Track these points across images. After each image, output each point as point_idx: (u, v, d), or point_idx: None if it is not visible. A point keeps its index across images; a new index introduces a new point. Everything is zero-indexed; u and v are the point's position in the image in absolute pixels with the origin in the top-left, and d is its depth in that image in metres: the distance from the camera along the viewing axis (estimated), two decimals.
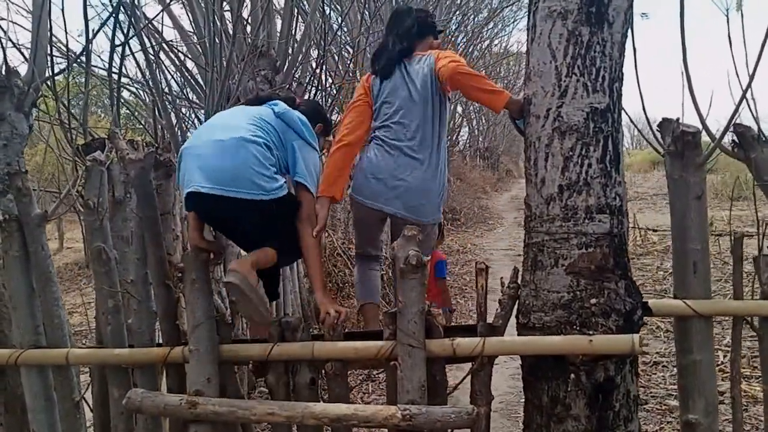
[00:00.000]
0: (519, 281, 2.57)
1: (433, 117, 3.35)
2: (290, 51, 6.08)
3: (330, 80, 7.33)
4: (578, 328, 2.36)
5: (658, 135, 2.66)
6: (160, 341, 2.78)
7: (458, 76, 3.09)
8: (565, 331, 2.37)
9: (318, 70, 5.84)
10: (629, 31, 2.49)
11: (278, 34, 5.99)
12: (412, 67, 3.40)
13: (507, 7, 19.67)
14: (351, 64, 7.21)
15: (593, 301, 2.36)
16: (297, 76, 6.20)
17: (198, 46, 5.67)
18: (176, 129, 4.84)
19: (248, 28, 5.88)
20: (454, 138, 22.53)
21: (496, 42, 22.88)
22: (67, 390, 2.87)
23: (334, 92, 6.95)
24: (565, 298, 2.38)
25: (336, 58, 7.16)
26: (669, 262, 10.00)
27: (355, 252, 3.86)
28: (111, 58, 3.82)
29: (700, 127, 2.58)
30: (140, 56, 4.39)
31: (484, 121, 30.48)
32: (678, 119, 2.58)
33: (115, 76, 3.99)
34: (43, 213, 2.80)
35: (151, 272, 2.72)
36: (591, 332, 2.33)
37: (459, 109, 21.94)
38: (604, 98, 2.38)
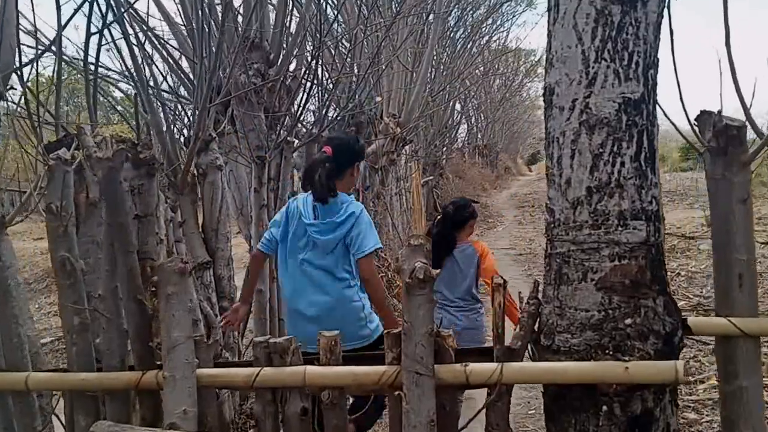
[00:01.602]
0: (540, 296, 2.25)
1: None
2: (284, 43, 5.75)
3: (327, 75, 6.99)
4: (611, 352, 2.04)
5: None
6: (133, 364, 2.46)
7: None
8: (596, 355, 2.06)
9: (314, 64, 5.50)
10: (665, 10, 2.17)
11: (272, 25, 5.66)
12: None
13: (506, 2, 19.38)
14: (348, 58, 6.88)
15: (628, 321, 2.04)
16: (291, 69, 5.88)
17: (187, 37, 5.34)
18: (164, 126, 4.52)
19: (239, 19, 5.55)
20: (452, 135, 22.20)
21: (495, 38, 22.46)
22: (28, 418, 2.55)
23: (331, 87, 6.61)
24: (595, 318, 2.07)
25: (332, 51, 6.83)
26: (675, 262, 9.69)
27: None
28: (87, 46, 3.49)
29: (744, 120, 2.26)
30: (124, 47, 4.05)
31: (482, 118, 30.15)
32: (719, 111, 2.26)
33: (93, 67, 3.66)
34: (0, 218, 2.48)
35: (121, 286, 2.40)
36: (626, 357, 2.02)
37: (458, 106, 21.62)
38: (637, 87, 2.06)
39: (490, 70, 23.19)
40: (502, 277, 2.17)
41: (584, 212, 2.08)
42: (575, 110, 2.08)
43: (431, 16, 9.94)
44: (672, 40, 2.28)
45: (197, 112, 4.23)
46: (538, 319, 2.24)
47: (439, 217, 4.41)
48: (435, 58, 11.62)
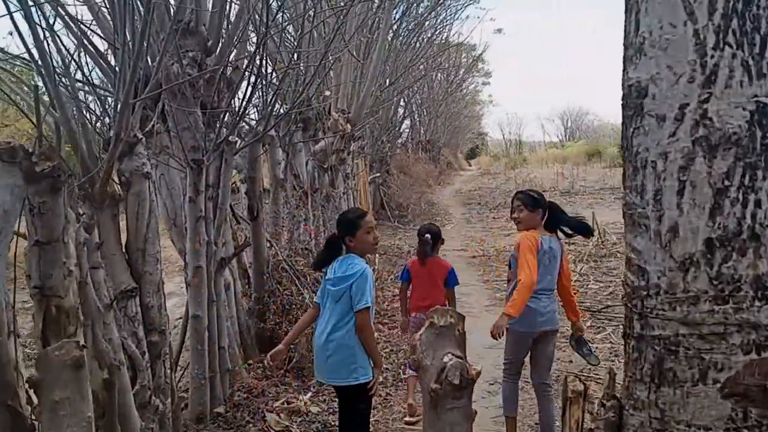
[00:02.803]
0: (620, 396, 1.61)
1: None
2: (224, 29, 5.00)
3: (272, 66, 6.26)
4: None
5: None
6: None
7: None
8: None
9: (258, 53, 4.76)
10: None
11: (209, 9, 4.90)
12: None
13: None
14: (296, 48, 6.17)
15: None
16: (232, 59, 5.13)
17: (107, 17, 4.51)
18: (77, 124, 3.72)
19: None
20: (397, 131, 21.68)
21: (439, 32, 22.01)
22: None
23: (277, 82, 5.89)
24: None
25: (276, 40, 6.09)
26: None
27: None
28: None
29: None
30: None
31: (425, 113, 29.89)
32: None
33: None
34: None
35: None
36: None
37: (402, 102, 21.10)
38: None
39: (434, 65, 22.76)
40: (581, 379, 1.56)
41: (701, 277, 1.46)
42: (685, 121, 1.45)
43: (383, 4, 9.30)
44: None
45: (119, 108, 3.47)
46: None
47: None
48: (385, 50, 10.99)
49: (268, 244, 6.19)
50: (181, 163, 4.55)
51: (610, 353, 5.67)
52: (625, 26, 1.58)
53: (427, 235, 4.83)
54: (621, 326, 6.39)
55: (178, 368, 5.20)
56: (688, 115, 1.48)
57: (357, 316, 3.41)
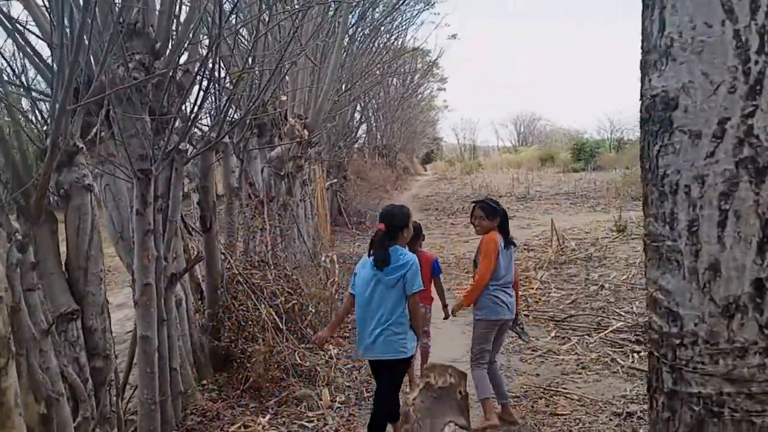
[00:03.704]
0: None
1: None
2: (174, 30, 4.70)
3: (225, 70, 5.97)
4: None
5: None
6: None
7: None
8: None
9: (211, 56, 4.49)
10: None
11: (157, 9, 4.60)
12: None
13: (404, 1, 18.87)
14: (251, 51, 5.88)
15: None
16: (183, 63, 4.83)
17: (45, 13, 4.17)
18: (9, 131, 3.41)
19: None
20: (354, 136, 21.47)
21: (394, 37, 21.89)
22: None
23: (231, 86, 5.61)
24: None
25: (231, 43, 5.80)
26: (596, 273, 9.38)
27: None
28: None
29: None
30: None
31: (382, 118, 29.82)
32: None
33: None
34: None
35: None
36: None
37: (358, 107, 20.91)
38: None
39: (390, 70, 22.65)
40: None
41: (749, 325, 1.24)
42: (726, 139, 1.25)
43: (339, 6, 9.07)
44: None
45: (56, 113, 3.17)
46: None
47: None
48: (342, 54, 10.77)
49: (223, 257, 5.89)
50: (128, 173, 4.24)
51: (577, 365, 5.55)
52: (644, 25, 1.37)
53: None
54: (586, 336, 6.34)
55: (128, 388, 4.88)
56: (730, 132, 1.27)
57: (412, 298, 3.96)
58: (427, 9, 21.64)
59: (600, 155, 36.59)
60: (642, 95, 1.43)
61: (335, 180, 16.25)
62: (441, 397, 1.10)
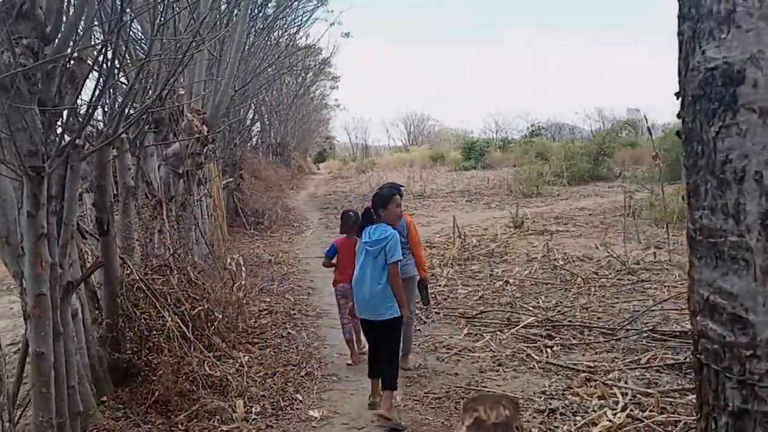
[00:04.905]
0: None
1: None
2: (66, 13, 4.27)
3: (122, 61, 5.51)
4: None
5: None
6: None
7: None
8: None
9: (111, 43, 4.10)
10: None
11: None
12: None
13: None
14: (154, 37, 5.46)
15: None
16: (77, 49, 4.40)
17: None
18: None
19: None
20: (248, 133, 20.88)
21: (287, 34, 21.53)
22: None
23: (133, 76, 5.19)
24: None
25: (130, 30, 5.38)
26: (499, 268, 9.59)
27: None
28: None
29: None
30: None
31: (276, 116, 29.33)
32: None
33: None
34: None
35: None
36: None
37: (252, 104, 20.37)
38: None
39: (285, 68, 22.25)
40: None
41: None
42: None
43: None
44: None
45: None
46: None
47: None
48: (243, 47, 10.39)
49: (121, 262, 5.45)
50: (16, 171, 3.79)
51: (493, 363, 5.59)
52: None
53: (352, 212, 6.36)
54: (498, 332, 6.41)
55: (16, 408, 4.39)
56: None
57: (390, 267, 4.59)
58: (321, 6, 21.49)
59: (489, 154, 37.78)
60: (690, 70, 1.26)
61: (231, 179, 15.70)
62: None
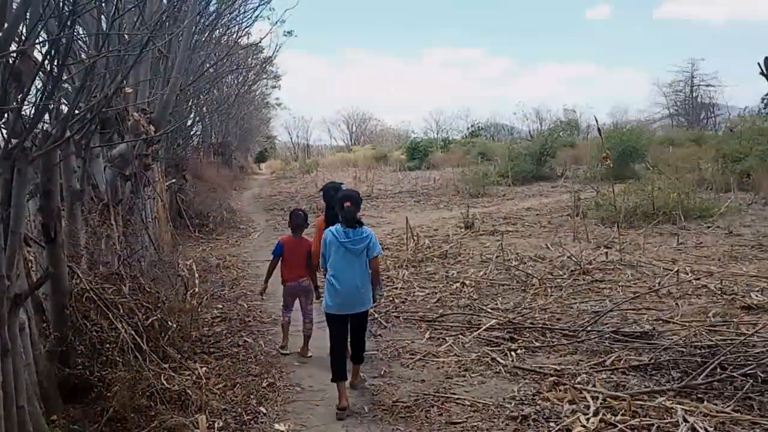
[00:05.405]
0: None
1: None
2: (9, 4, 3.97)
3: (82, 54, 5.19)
4: None
5: None
6: None
7: None
8: None
9: (64, 37, 3.83)
10: None
11: None
12: None
13: None
14: (107, 35, 5.17)
15: None
16: (24, 40, 4.10)
17: None
18: None
19: None
20: (190, 134, 20.31)
21: (230, 33, 21.04)
22: None
23: (86, 69, 4.89)
24: None
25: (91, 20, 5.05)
26: (454, 269, 9.57)
27: None
28: None
29: None
30: None
31: (217, 115, 28.67)
32: None
33: None
34: None
35: None
36: None
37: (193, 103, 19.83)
38: None
39: (227, 66, 21.77)
40: None
41: None
42: None
43: None
44: None
45: None
46: None
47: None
48: (193, 41, 10.05)
49: (69, 270, 5.13)
50: None
51: (459, 368, 5.53)
52: None
53: (301, 211, 6.66)
54: (460, 336, 6.35)
55: None
56: None
57: (375, 260, 5.18)
58: (264, 5, 21.10)
59: (432, 154, 38.05)
60: None
61: (174, 180, 15.21)
62: None
